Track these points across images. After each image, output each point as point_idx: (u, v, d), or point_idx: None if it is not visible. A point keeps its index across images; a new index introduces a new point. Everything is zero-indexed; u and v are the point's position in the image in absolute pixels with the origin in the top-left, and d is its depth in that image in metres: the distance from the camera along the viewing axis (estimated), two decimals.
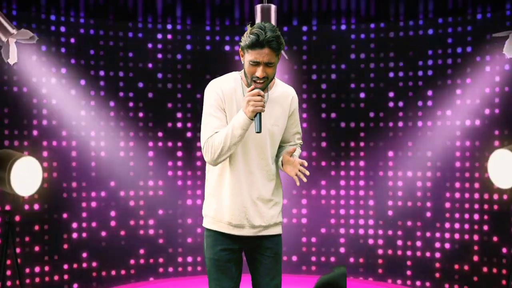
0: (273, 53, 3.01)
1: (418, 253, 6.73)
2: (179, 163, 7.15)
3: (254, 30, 2.99)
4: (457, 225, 6.47)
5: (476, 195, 6.35)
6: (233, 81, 3.16)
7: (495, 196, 6.17)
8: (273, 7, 4.88)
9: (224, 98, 3.11)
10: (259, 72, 3.01)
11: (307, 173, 3.06)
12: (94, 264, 6.61)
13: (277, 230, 3.24)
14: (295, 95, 3.29)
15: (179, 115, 7.14)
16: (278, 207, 3.24)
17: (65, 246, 6.41)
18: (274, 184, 3.22)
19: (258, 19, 5.20)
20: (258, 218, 3.16)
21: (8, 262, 5.70)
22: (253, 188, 3.15)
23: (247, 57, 3.03)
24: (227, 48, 7.23)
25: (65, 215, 6.40)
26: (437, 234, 6.61)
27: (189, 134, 7.15)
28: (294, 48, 7.20)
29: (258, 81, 3.02)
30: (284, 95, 3.23)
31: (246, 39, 3.02)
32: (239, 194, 3.13)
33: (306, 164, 3.07)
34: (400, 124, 6.90)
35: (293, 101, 3.26)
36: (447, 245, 6.54)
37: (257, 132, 2.99)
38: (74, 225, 6.48)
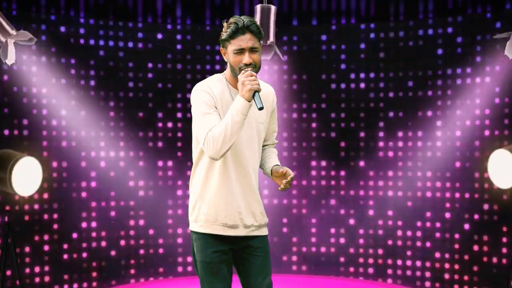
0: (255, 38, 3.04)
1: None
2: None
3: (232, 20, 3.05)
4: (456, 225, 6.46)
5: (476, 195, 6.34)
6: (219, 82, 3.15)
7: (495, 196, 6.17)
8: (273, 8, 4.86)
9: (215, 99, 3.10)
10: (245, 58, 3.02)
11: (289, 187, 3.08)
12: (94, 264, 6.61)
13: (266, 231, 3.25)
14: (274, 93, 3.33)
15: (179, 115, 7.13)
16: (262, 205, 3.25)
17: (65, 246, 6.40)
18: (258, 183, 3.25)
19: (258, 19, 5.20)
20: (251, 217, 3.16)
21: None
22: (247, 188, 3.14)
23: (230, 48, 3.05)
24: None
25: (65, 215, 6.40)
26: (437, 235, 6.61)
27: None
28: (294, 48, 7.20)
29: (246, 69, 3.01)
30: (266, 92, 3.23)
31: (225, 31, 3.06)
32: (234, 195, 3.12)
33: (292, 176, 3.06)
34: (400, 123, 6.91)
35: (274, 99, 3.30)
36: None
37: (260, 109, 2.93)
38: (74, 225, 6.47)
